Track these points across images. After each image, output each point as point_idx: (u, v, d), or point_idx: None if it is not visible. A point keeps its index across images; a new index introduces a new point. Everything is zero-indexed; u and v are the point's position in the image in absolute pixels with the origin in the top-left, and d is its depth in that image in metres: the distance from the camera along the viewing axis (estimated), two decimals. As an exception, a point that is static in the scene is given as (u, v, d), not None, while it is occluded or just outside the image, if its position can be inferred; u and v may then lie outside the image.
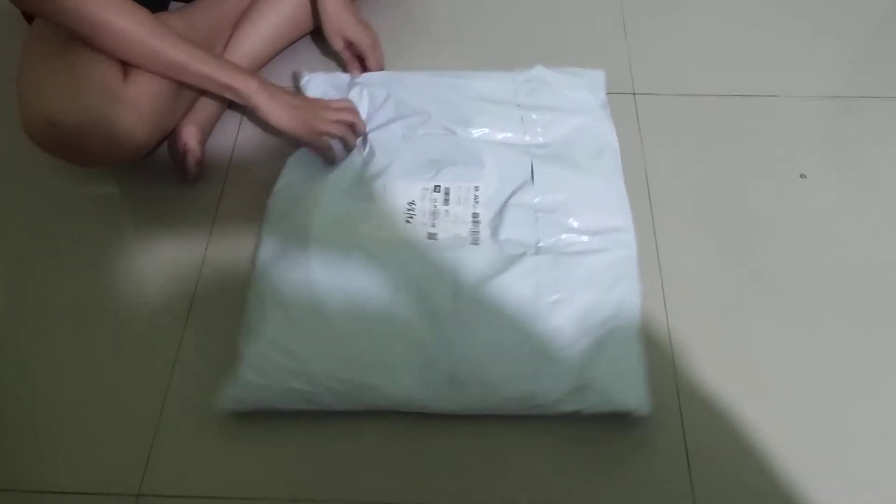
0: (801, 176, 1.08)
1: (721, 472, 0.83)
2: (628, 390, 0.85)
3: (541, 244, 0.95)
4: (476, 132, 1.05)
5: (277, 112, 0.98)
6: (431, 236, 0.95)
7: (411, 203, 0.97)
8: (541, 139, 1.05)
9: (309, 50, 1.24)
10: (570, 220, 0.97)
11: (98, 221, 1.06)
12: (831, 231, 1.02)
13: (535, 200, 0.98)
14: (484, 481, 0.83)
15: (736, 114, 1.15)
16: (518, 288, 0.89)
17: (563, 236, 0.95)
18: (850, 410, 0.87)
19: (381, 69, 1.15)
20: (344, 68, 1.17)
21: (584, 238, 0.95)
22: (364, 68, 1.15)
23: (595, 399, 0.83)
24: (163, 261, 1.01)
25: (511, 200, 0.98)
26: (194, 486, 0.83)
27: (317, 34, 1.21)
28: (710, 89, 1.19)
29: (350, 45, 1.12)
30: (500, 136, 1.05)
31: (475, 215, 0.98)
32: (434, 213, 0.97)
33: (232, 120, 1.16)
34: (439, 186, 0.99)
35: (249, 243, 1.00)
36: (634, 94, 1.18)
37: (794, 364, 0.91)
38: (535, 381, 0.84)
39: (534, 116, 1.07)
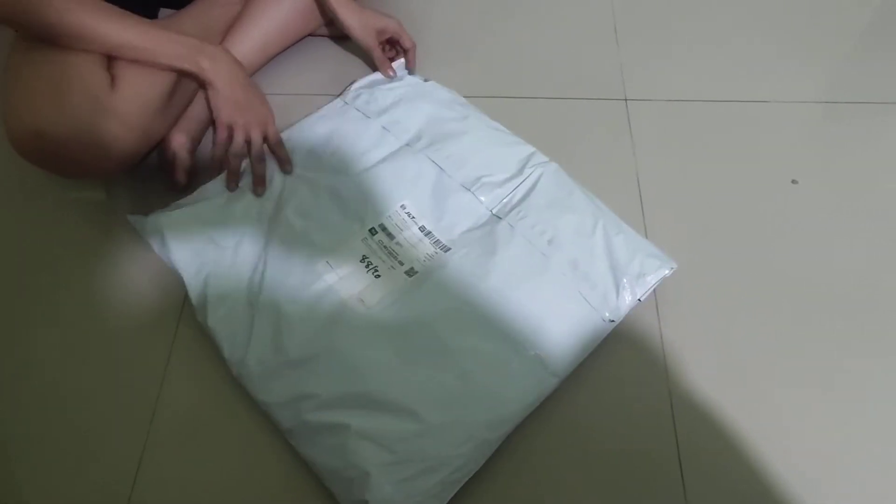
0: (793, 182, 1.07)
1: (714, 479, 0.82)
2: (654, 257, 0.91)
3: (494, 210, 0.97)
4: (359, 165, 1.02)
5: (220, 95, 1.00)
6: (411, 272, 0.91)
7: (364, 259, 0.92)
8: (407, 135, 1.04)
9: (302, 55, 1.23)
10: (493, 176, 0.99)
11: (88, 229, 1.04)
12: (823, 236, 1.02)
13: (457, 181, 0.99)
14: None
15: (727, 119, 1.15)
16: (517, 252, 0.91)
17: (498, 191, 0.97)
18: (844, 416, 0.87)
19: (415, 45, 1.16)
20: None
21: (517, 181, 0.98)
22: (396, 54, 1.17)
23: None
24: (152, 268, 0.99)
25: (438, 195, 0.98)
26: (185, 495, 0.82)
27: (309, 41, 1.21)
28: (701, 95, 1.18)
29: (381, 35, 1.13)
30: (378, 154, 1.02)
31: (422, 228, 0.95)
32: (392, 253, 0.93)
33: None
34: (373, 228, 0.95)
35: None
36: (626, 100, 1.17)
37: (786, 369, 0.90)
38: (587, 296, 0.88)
39: (384, 121, 1.06)
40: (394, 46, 1.18)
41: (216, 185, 1.01)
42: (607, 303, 0.88)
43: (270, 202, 0.99)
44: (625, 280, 0.89)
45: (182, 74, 0.99)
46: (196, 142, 1.08)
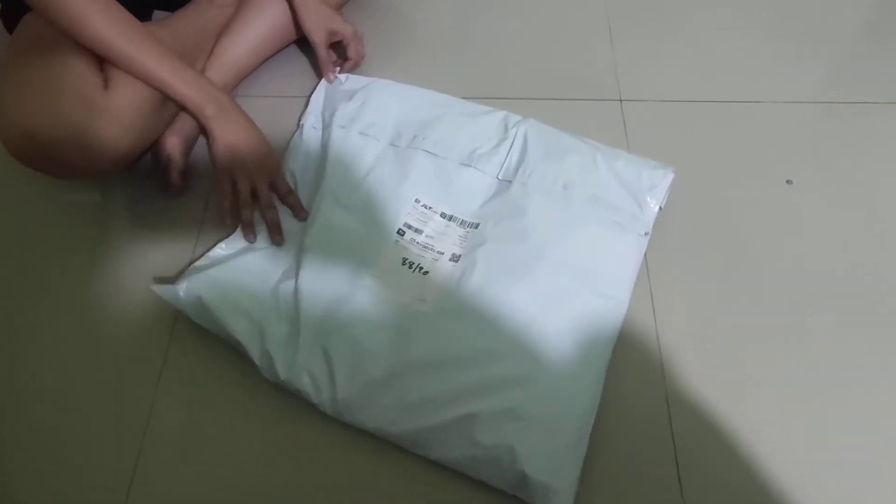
0: (788, 182, 1.08)
1: (712, 482, 0.83)
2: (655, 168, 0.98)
3: (500, 176, 1.01)
4: (356, 176, 1.01)
5: (218, 145, 0.98)
6: (454, 258, 0.94)
7: (405, 261, 0.93)
8: (386, 135, 1.06)
9: (294, 59, 1.22)
10: (484, 147, 1.03)
11: (81, 231, 1.04)
12: (818, 236, 1.02)
13: (454, 161, 1.01)
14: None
15: (722, 120, 1.15)
16: (541, 206, 0.96)
17: (495, 158, 1.02)
18: (840, 414, 0.87)
19: (362, 59, 1.15)
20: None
21: (507, 143, 1.03)
22: (344, 61, 1.15)
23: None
24: (147, 272, 0.98)
25: (444, 180, 1.00)
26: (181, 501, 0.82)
27: (302, 44, 1.19)
28: (696, 95, 1.18)
29: (332, 36, 1.11)
30: (368, 160, 1.03)
31: (444, 215, 0.98)
32: (427, 247, 0.95)
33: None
34: (399, 229, 0.96)
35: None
36: (621, 100, 1.17)
37: (783, 368, 0.90)
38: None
39: (360, 128, 1.06)
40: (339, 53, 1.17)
41: (233, 241, 0.97)
42: (637, 220, 0.95)
43: (291, 238, 0.98)
44: (642, 195, 0.97)
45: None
46: (190, 144, 1.08)
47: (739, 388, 0.89)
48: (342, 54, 1.16)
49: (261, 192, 0.98)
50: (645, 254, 0.97)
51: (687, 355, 0.91)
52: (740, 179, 1.08)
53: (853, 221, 1.04)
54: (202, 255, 0.96)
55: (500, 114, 1.06)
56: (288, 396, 0.87)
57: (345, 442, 0.85)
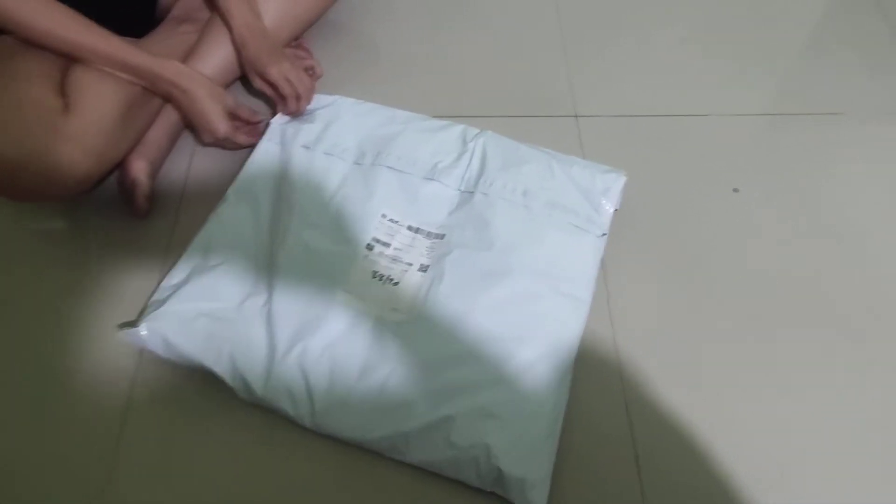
0: (735, 190, 1.12)
1: (674, 486, 0.86)
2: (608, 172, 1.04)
3: (462, 188, 1.05)
4: (324, 195, 1.04)
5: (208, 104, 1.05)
6: (423, 268, 0.96)
7: (375, 274, 0.96)
8: (350, 154, 1.08)
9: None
10: (445, 160, 1.07)
11: (44, 258, 1.03)
12: (765, 241, 1.07)
13: (418, 176, 1.05)
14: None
15: (673, 132, 1.20)
16: (504, 214, 1.00)
17: (456, 171, 1.06)
18: (799, 416, 0.91)
19: (296, 114, 1.13)
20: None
21: (467, 156, 1.07)
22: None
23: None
24: (113, 298, 0.98)
25: (409, 194, 1.03)
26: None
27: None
28: (648, 110, 1.23)
29: (267, 80, 1.10)
30: (335, 179, 1.05)
31: (410, 227, 1.01)
32: (396, 259, 0.97)
33: (184, 150, 1.14)
34: (368, 244, 0.98)
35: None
36: (577, 116, 1.22)
37: (733, 371, 0.94)
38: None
39: (324, 148, 1.09)
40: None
41: (185, 265, 0.97)
42: (594, 222, 1.00)
43: (257, 258, 0.98)
44: (597, 198, 1.02)
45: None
46: (157, 166, 1.08)
47: (697, 390, 0.92)
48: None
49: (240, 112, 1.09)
50: (602, 261, 1.01)
51: (644, 359, 0.95)
52: (691, 189, 1.13)
53: (798, 226, 1.09)
54: (157, 287, 0.96)
55: (459, 128, 1.11)
56: (263, 411, 0.88)
57: (322, 453, 0.87)
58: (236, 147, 1.12)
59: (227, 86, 1.16)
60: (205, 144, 1.13)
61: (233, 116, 1.09)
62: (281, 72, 1.07)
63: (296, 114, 1.12)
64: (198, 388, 0.91)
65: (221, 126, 1.06)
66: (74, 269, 1.02)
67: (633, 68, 1.31)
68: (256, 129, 1.12)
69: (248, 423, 0.89)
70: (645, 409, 0.91)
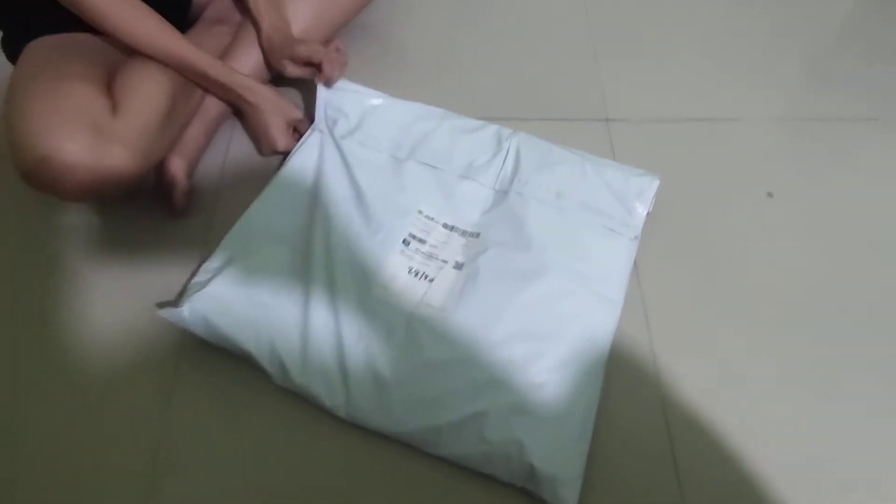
0: (769, 195, 1.12)
1: (711, 491, 0.85)
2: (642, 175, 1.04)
3: (497, 187, 1.06)
4: (360, 186, 1.05)
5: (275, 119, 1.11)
6: (458, 266, 0.97)
7: (411, 270, 0.97)
8: (387, 147, 1.10)
9: (297, 83, 1.24)
10: (480, 158, 1.08)
11: (82, 255, 1.05)
12: (801, 248, 1.06)
13: (454, 174, 1.06)
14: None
15: (704, 137, 1.19)
16: (538, 215, 1.01)
17: (491, 170, 1.07)
18: (833, 423, 0.90)
19: (333, 81, 1.12)
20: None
21: (502, 156, 1.08)
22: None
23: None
24: (151, 295, 0.99)
25: (445, 192, 1.05)
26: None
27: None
28: (680, 114, 1.23)
29: (299, 60, 1.11)
30: (369, 171, 1.07)
31: (446, 225, 1.02)
32: (431, 255, 0.98)
33: (218, 148, 1.16)
34: (405, 239, 0.99)
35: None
36: (608, 120, 1.21)
37: (772, 379, 0.93)
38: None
39: (359, 139, 1.11)
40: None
41: (226, 250, 0.99)
42: (627, 224, 1.01)
43: (295, 246, 0.99)
44: (630, 201, 1.02)
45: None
46: (193, 165, 1.11)
47: (736, 398, 0.91)
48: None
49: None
50: (636, 266, 1.02)
51: (682, 370, 0.94)
52: (724, 193, 1.12)
53: (833, 232, 1.08)
54: (199, 269, 0.97)
55: (493, 127, 1.11)
56: (299, 404, 0.90)
57: (357, 445, 0.88)
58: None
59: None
60: (263, 154, 1.16)
61: (295, 129, 1.14)
62: (309, 46, 1.10)
63: (332, 81, 1.11)
64: (238, 385, 0.92)
65: (281, 141, 1.12)
66: (111, 268, 1.03)
67: (664, 71, 1.31)
68: None
69: (285, 412, 0.90)
70: (683, 415, 0.90)
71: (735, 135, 1.21)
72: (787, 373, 0.94)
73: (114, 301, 1.00)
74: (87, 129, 0.89)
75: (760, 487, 0.85)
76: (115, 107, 0.94)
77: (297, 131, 1.15)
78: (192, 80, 1.06)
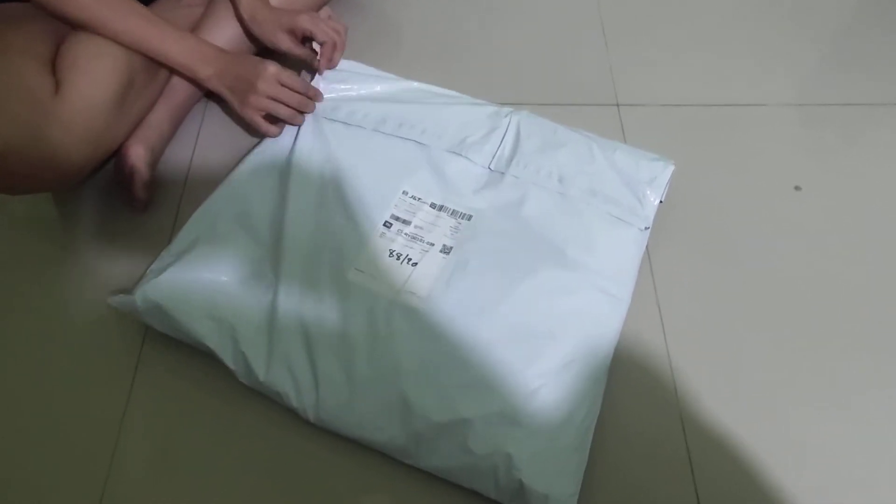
0: (796, 188, 1.04)
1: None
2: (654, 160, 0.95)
3: (491, 166, 0.96)
4: (340, 164, 0.97)
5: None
6: (445, 249, 0.88)
7: (392, 253, 0.88)
8: (371, 121, 1.00)
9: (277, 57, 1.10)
10: (474, 135, 0.99)
11: (37, 250, 0.97)
12: (830, 246, 0.98)
13: (443, 150, 0.97)
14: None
15: (723, 124, 1.12)
16: (536, 200, 0.92)
17: (486, 147, 0.97)
18: (857, 430, 0.83)
19: (332, 66, 1.05)
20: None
21: (500, 133, 0.99)
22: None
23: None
24: (107, 293, 0.90)
25: (433, 169, 0.95)
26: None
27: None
28: (693, 99, 1.15)
29: (296, 35, 1.01)
30: (352, 147, 0.98)
31: (433, 205, 0.92)
32: (416, 237, 0.89)
33: (188, 135, 1.07)
34: (386, 221, 0.90)
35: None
36: (618, 105, 1.14)
37: (796, 384, 0.86)
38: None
39: (341, 116, 1.01)
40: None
41: (188, 234, 0.91)
42: (637, 214, 0.91)
43: (264, 229, 0.91)
44: (642, 188, 0.93)
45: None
46: (157, 153, 1.01)
47: (755, 406, 0.85)
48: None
49: (281, 94, 0.97)
50: (650, 263, 0.94)
51: (700, 377, 0.86)
52: (745, 184, 1.04)
53: (864, 229, 1.00)
54: (156, 258, 0.89)
55: (492, 106, 1.02)
56: (267, 407, 0.82)
57: (329, 453, 0.80)
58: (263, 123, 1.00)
59: None
60: (242, 111, 1.00)
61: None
62: (313, 19, 0.99)
63: (332, 66, 1.04)
64: (201, 383, 0.85)
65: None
66: (66, 264, 0.95)
67: (677, 54, 1.23)
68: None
69: (250, 415, 0.82)
70: (700, 427, 0.83)
71: (753, 121, 1.12)
72: (812, 382, 0.86)
73: (69, 297, 0.92)
74: (24, 109, 0.80)
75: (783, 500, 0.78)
76: (58, 85, 0.85)
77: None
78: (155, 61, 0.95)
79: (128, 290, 0.86)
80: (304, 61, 1.04)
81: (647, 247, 0.95)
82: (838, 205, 1.02)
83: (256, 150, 1.00)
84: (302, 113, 0.99)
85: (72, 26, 0.90)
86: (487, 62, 1.21)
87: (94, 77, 0.87)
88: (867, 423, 0.83)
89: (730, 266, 0.95)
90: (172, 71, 0.99)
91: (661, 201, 0.93)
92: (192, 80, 1.00)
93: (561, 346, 0.80)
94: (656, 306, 0.91)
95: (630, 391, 0.84)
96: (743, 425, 0.82)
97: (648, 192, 0.92)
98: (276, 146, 1.00)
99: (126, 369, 0.86)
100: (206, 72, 0.96)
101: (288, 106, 0.98)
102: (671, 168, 0.94)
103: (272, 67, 0.97)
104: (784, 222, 1.00)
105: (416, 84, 1.05)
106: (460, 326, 0.80)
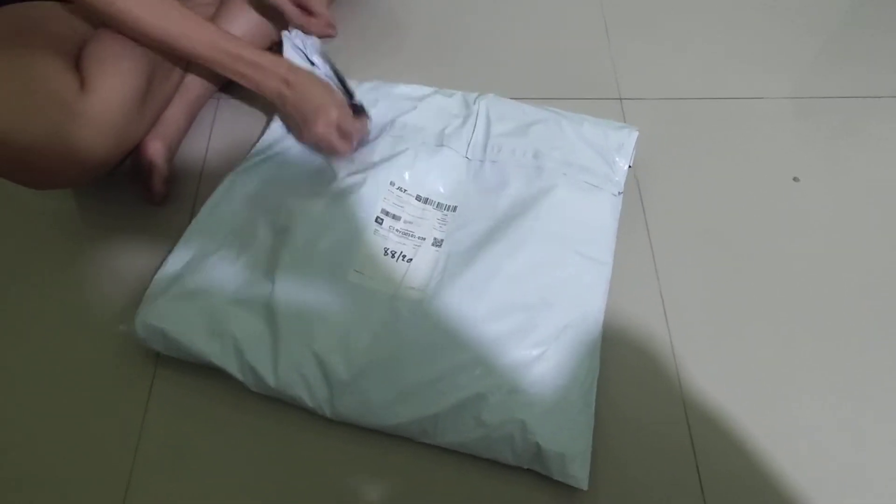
0: (795, 179, 1.06)
1: (732, 485, 0.80)
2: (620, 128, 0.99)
3: (469, 154, 1.00)
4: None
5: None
6: (436, 243, 0.91)
7: (387, 251, 0.90)
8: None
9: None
10: (451, 125, 1.02)
11: (56, 244, 0.98)
12: (829, 235, 1.00)
13: (428, 142, 1.00)
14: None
15: (724, 116, 1.14)
16: (516, 180, 0.95)
17: (462, 133, 1.01)
18: (857, 417, 0.85)
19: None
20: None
21: (472, 120, 1.02)
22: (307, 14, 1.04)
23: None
24: (131, 288, 0.92)
25: (418, 160, 0.98)
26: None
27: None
28: (695, 93, 1.17)
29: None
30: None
31: (419, 198, 0.96)
32: (407, 233, 0.92)
33: (201, 129, 1.09)
34: (378, 217, 0.92)
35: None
36: (621, 99, 1.15)
37: (796, 369, 0.88)
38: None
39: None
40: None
41: (180, 255, 0.91)
42: (609, 180, 0.96)
43: (258, 241, 0.92)
44: (611, 155, 0.97)
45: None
46: (174, 149, 1.03)
47: (756, 390, 0.87)
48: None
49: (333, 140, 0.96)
50: (654, 257, 0.97)
51: (701, 361, 0.89)
52: (745, 175, 1.06)
53: (860, 215, 1.03)
54: (152, 280, 0.89)
55: (459, 94, 1.06)
56: (282, 407, 0.83)
57: (349, 445, 0.82)
58: (335, 150, 0.99)
59: None
60: (304, 140, 1.02)
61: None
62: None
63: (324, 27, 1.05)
64: (218, 388, 0.85)
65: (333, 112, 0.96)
66: (85, 259, 0.96)
67: (678, 50, 1.24)
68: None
69: (267, 420, 0.84)
70: (702, 410, 0.85)
71: (753, 114, 1.15)
72: (818, 367, 0.88)
73: (88, 293, 0.93)
74: (51, 107, 0.81)
75: (785, 486, 0.80)
76: (83, 83, 0.85)
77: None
78: (210, 66, 0.94)
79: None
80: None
81: (649, 237, 0.99)
82: (836, 194, 1.05)
83: (248, 155, 1.02)
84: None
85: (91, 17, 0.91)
86: (489, 57, 1.22)
87: (119, 74, 0.89)
88: (872, 410, 0.85)
89: (731, 256, 0.97)
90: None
91: (629, 166, 0.97)
92: (252, 88, 0.97)
93: (555, 314, 0.84)
94: (659, 296, 0.94)
95: (633, 379, 0.86)
96: (746, 413, 0.84)
97: (618, 159, 0.97)
98: (266, 149, 1.02)
99: (144, 371, 0.87)
100: (278, 89, 0.95)
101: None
102: (635, 134, 0.99)
103: (334, 113, 0.95)
104: (783, 212, 1.02)
105: (392, 86, 1.07)
106: (458, 312, 0.83)
